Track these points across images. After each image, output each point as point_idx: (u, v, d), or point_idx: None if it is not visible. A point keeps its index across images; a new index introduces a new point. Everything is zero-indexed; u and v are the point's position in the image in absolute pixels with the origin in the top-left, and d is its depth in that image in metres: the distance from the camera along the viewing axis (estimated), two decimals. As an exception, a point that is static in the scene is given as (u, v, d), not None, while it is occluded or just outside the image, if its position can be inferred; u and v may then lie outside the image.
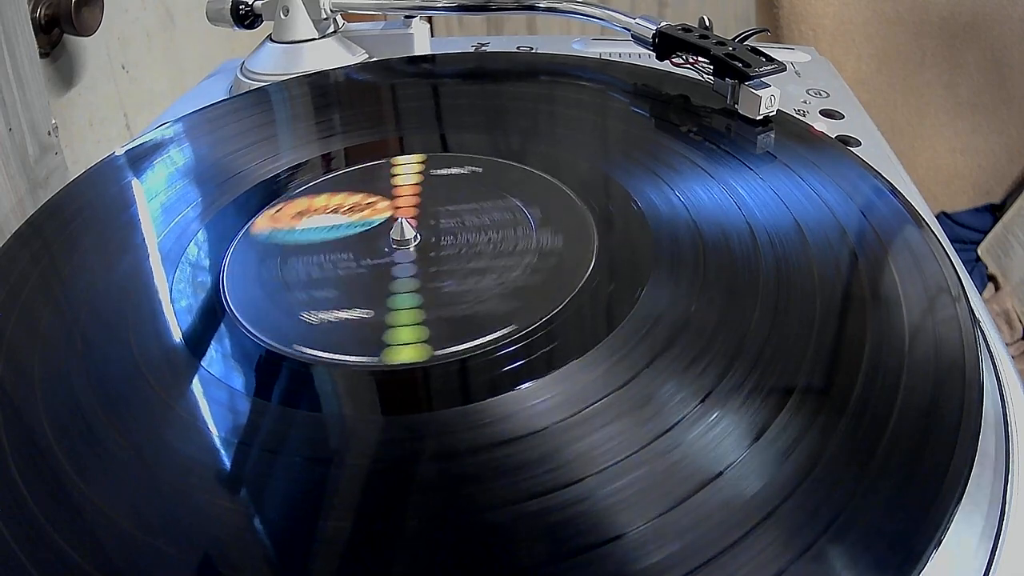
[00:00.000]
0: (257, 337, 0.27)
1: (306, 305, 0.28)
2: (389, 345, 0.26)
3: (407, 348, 0.26)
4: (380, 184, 0.34)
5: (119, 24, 0.65)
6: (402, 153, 0.37)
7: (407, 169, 0.36)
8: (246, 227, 0.32)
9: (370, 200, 0.33)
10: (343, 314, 0.27)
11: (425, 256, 0.30)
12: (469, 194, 0.33)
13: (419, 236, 0.31)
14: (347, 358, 0.25)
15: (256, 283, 0.29)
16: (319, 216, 0.33)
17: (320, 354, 0.26)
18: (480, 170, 0.35)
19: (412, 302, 0.28)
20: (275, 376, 0.25)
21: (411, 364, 0.25)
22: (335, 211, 0.33)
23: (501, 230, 0.31)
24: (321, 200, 0.34)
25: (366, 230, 0.32)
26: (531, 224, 0.31)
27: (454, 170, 0.35)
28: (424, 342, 0.26)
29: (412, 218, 0.32)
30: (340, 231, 0.32)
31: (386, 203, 0.33)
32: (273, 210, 0.33)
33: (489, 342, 0.25)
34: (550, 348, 0.25)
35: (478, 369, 0.25)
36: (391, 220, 0.32)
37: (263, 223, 0.32)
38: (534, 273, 0.28)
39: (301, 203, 0.34)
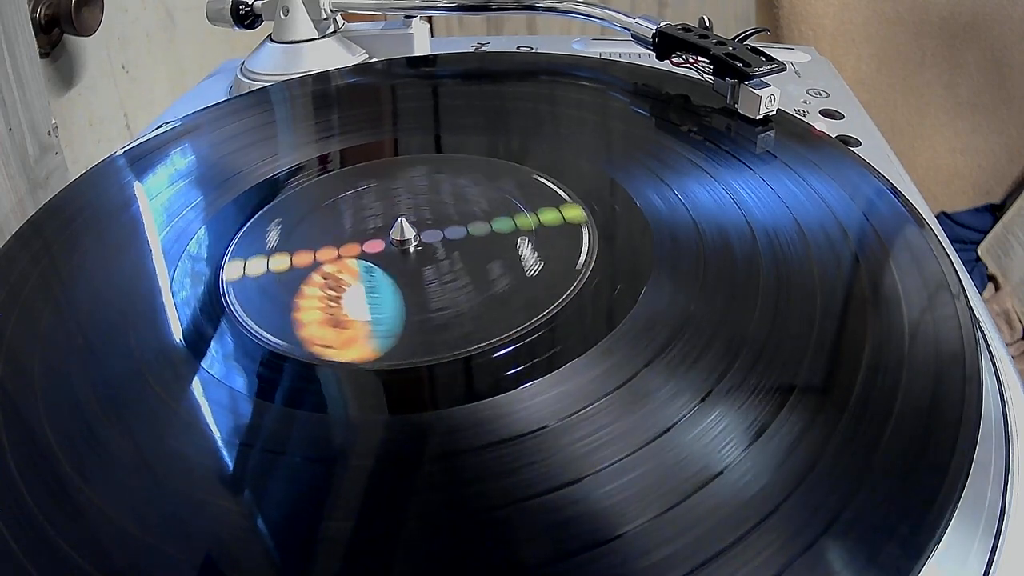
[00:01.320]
0: (258, 337, 0.27)
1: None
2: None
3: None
4: (378, 185, 0.34)
5: (119, 24, 0.65)
6: (402, 153, 0.38)
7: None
8: (245, 228, 0.32)
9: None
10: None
11: (424, 256, 0.30)
12: (469, 194, 0.33)
13: (418, 236, 0.31)
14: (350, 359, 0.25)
15: (257, 283, 0.29)
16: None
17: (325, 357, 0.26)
18: (479, 170, 0.35)
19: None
20: (275, 376, 0.25)
21: (413, 363, 0.25)
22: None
23: (501, 230, 0.31)
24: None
25: (366, 231, 0.32)
26: (531, 225, 0.31)
27: (453, 170, 0.35)
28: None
29: (411, 219, 0.31)
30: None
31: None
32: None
33: (489, 342, 0.25)
34: (550, 348, 0.25)
35: (478, 369, 0.25)
36: (388, 225, 0.31)
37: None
38: (534, 273, 0.28)
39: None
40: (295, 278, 0.29)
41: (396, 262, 0.30)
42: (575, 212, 0.31)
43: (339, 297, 0.28)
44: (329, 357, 0.25)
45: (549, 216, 0.31)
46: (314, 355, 0.26)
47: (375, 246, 0.31)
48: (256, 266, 0.30)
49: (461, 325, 0.26)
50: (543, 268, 0.29)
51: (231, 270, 0.30)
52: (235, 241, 0.32)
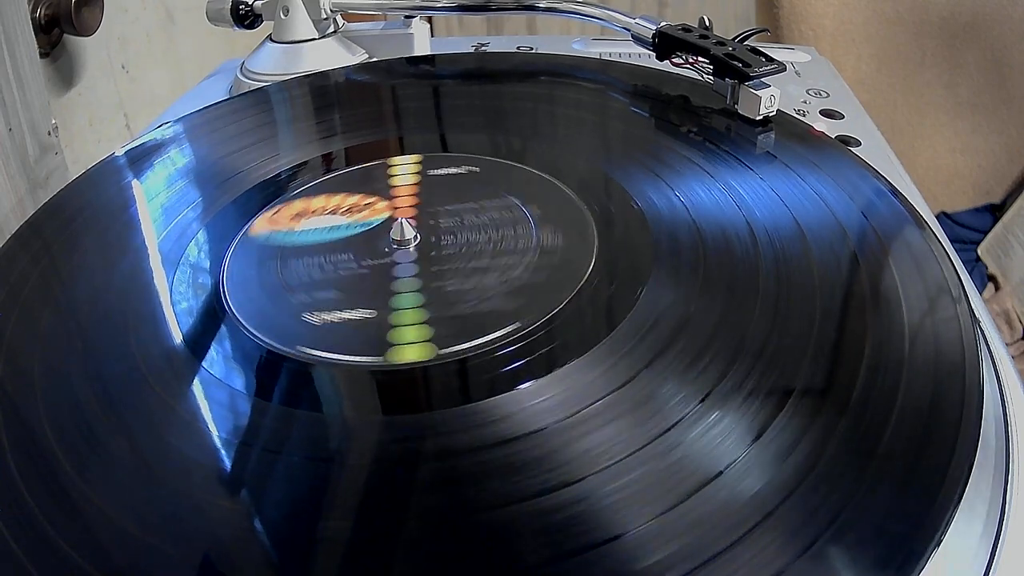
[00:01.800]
0: (257, 337, 0.27)
1: (308, 306, 0.28)
2: (393, 344, 0.26)
3: (411, 347, 0.26)
4: (378, 185, 0.34)
5: (119, 24, 0.65)
6: (402, 153, 0.37)
7: (405, 170, 0.36)
8: (244, 229, 0.32)
9: (368, 201, 0.33)
10: (345, 314, 0.27)
11: (425, 256, 0.30)
12: (468, 194, 0.33)
13: (419, 236, 0.31)
14: (351, 358, 0.25)
15: (256, 284, 0.29)
16: (317, 217, 0.33)
17: (324, 355, 0.26)
18: (479, 170, 0.35)
19: (414, 301, 0.28)
20: (275, 376, 0.25)
21: (413, 363, 0.25)
22: (333, 212, 0.33)
23: (501, 230, 0.31)
24: (318, 202, 0.34)
25: (365, 231, 0.32)
26: (531, 224, 0.31)
27: (453, 170, 0.35)
28: (428, 341, 0.26)
29: (412, 218, 0.32)
30: (339, 232, 0.32)
31: (384, 204, 0.33)
32: (271, 212, 0.33)
33: (489, 342, 0.25)
34: (550, 348, 0.25)
35: (478, 369, 0.25)
36: (390, 220, 0.32)
37: (261, 225, 0.32)
38: (534, 273, 0.28)
39: (298, 205, 0.34)
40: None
41: (397, 262, 0.30)
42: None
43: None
44: (355, 362, 0.25)
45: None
46: (318, 356, 0.26)
47: (375, 246, 0.31)
48: (256, 266, 0.30)
49: (463, 325, 0.26)
50: (543, 268, 0.29)
51: (231, 270, 0.30)
52: (235, 241, 0.31)
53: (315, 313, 0.28)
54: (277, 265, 0.30)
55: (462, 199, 0.33)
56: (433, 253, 0.30)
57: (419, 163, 0.36)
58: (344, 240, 0.31)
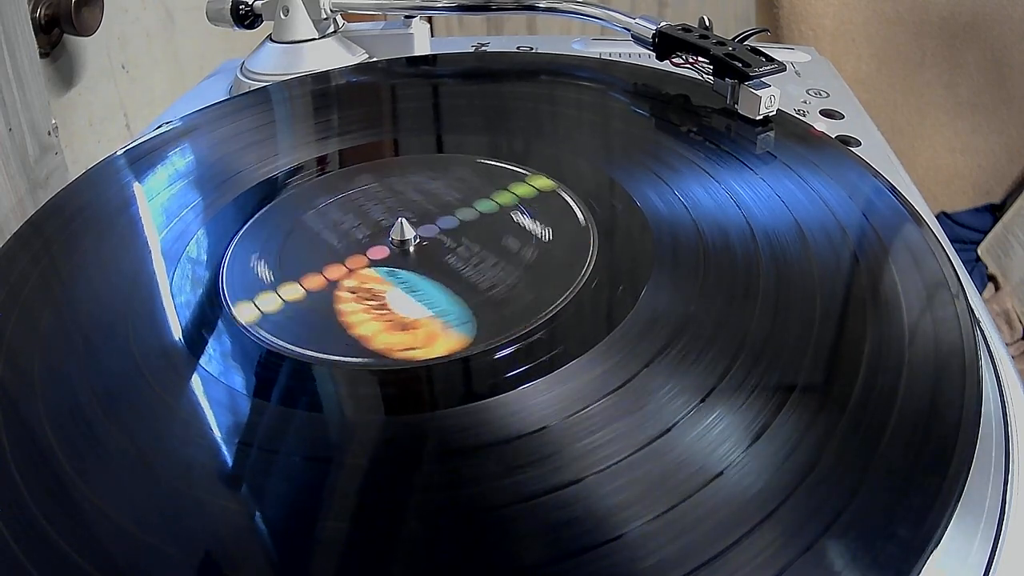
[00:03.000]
0: (256, 336, 0.27)
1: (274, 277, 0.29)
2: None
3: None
4: (381, 185, 0.34)
5: (119, 24, 0.65)
6: (398, 153, 0.38)
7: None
8: (245, 226, 0.32)
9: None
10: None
11: (424, 256, 0.30)
12: (468, 194, 0.33)
13: (418, 236, 0.31)
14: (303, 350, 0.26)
15: (256, 280, 0.29)
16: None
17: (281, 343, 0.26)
18: (478, 170, 0.35)
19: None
20: (275, 375, 0.25)
21: (408, 363, 0.25)
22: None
23: (500, 229, 0.31)
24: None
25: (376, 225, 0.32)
26: (531, 224, 0.31)
27: (453, 170, 0.35)
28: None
29: (413, 217, 0.31)
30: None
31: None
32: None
33: (489, 342, 0.25)
34: (550, 348, 0.25)
35: (478, 369, 0.25)
36: (392, 220, 0.31)
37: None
38: (534, 273, 0.28)
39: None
40: (320, 300, 0.28)
41: (406, 260, 0.30)
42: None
43: (384, 304, 0.28)
44: (419, 358, 0.25)
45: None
46: (403, 360, 0.25)
47: (379, 252, 0.30)
48: (269, 302, 0.29)
49: (520, 298, 0.27)
50: (543, 268, 0.29)
51: (242, 312, 0.28)
52: (235, 240, 0.31)
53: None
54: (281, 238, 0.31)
55: (462, 199, 0.33)
56: (431, 253, 0.30)
57: (420, 162, 0.36)
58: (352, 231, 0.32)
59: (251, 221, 0.33)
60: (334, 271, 0.30)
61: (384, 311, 0.27)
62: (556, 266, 0.28)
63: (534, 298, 0.27)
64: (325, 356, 0.26)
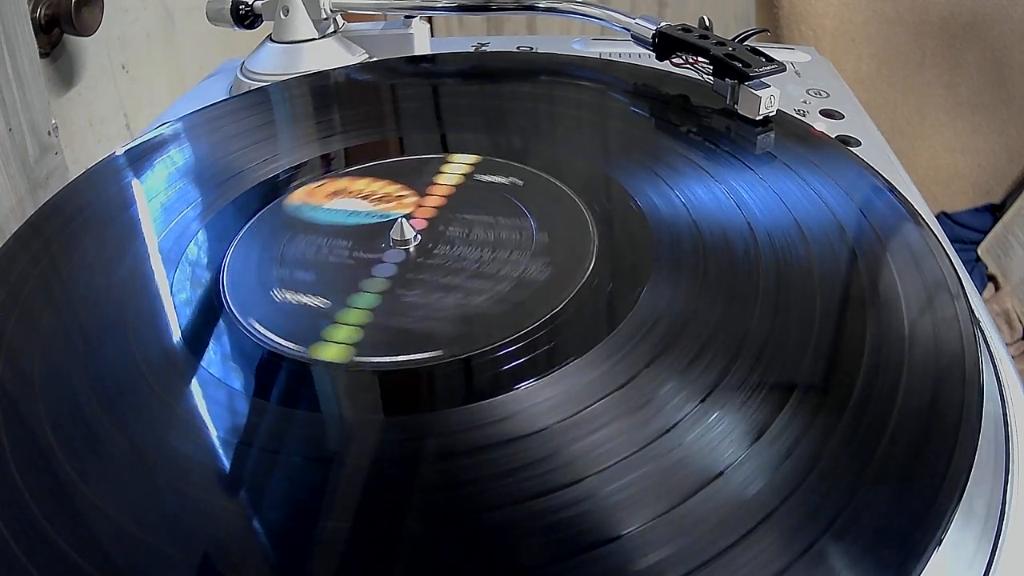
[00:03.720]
0: (257, 336, 0.27)
1: (281, 283, 0.29)
2: (322, 340, 0.26)
3: (335, 347, 0.26)
4: (423, 179, 0.35)
5: (119, 24, 0.65)
6: (400, 154, 0.38)
7: (407, 172, 0.36)
8: (281, 199, 0.33)
9: (402, 194, 0.34)
10: (304, 299, 0.28)
11: (421, 253, 0.30)
12: (467, 194, 0.33)
13: (420, 236, 0.31)
14: (279, 341, 0.26)
15: (256, 281, 0.29)
16: (349, 199, 0.34)
17: (262, 332, 0.27)
18: (478, 169, 0.35)
19: (371, 301, 0.28)
20: (275, 375, 0.25)
21: (406, 364, 0.25)
22: (366, 197, 0.34)
23: (500, 229, 0.31)
24: (360, 184, 0.35)
25: (379, 222, 0.32)
26: (531, 223, 0.31)
27: (454, 171, 0.35)
28: (353, 344, 0.26)
29: (421, 217, 0.31)
30: (357, 218, 0.32)
31: (413, 199, 0.33)
32: (315, 184, 0.35)
33: (489, 342, 0.25)
34: (550, 348, 0.25)
35: (479, 369, 0.25)
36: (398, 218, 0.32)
37: (300, 196, 0.34)
38: (534, 273, 0.28)
39: (342, 183, 0.35)
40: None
41: (397, 262, 0.30)
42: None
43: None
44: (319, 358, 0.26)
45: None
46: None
47: (376, 241, 0.31)
48: (256, 262, 0.30)
49: (464, 325, 0.26)
50: (542, 268, 0.29)
51: (231, 269, 0.30)
52: (238, 238, 0.31)
53: (283, 291, 0.28)
54: (280, 240, 0.31)
55: (461, 199, 0.33)
56: (429, 251, 0.30)
57: (460, 163, 0.36)
58: (354, 228, 0.32)
59: (257, 216, 0.33)
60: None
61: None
62: (522, 300, 0.27)
63: (475, 330, 0.26)
64: (257, 331, 0.27)
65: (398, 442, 0.23)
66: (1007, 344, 0.43)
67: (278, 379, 0.25)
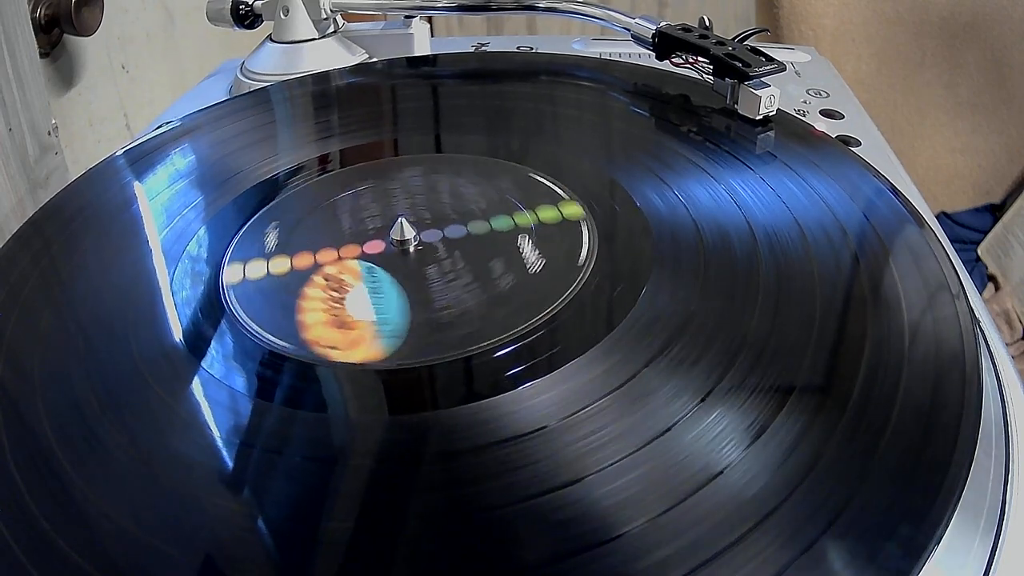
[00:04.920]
0: (258, 337, 0.27)
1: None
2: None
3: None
4: (382, 183, 0.34)
5: (119, 24, 0.65)
6: (397, 153, 0.38)
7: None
8: (247, 224, 0.33)
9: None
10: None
11: (426, 255, 0.30)
12: (467, 193, 0.33)
13: (419, 236, 0.31)
14: (280, 341, 0.26)
15: (256, 281, 0.29)
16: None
17: (263, 332, 0.27)
18: (476, 169, 0.35)
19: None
20: (275, 376, 0.25)
21: (406, 364, 0.25)
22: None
23: (500, 229, 0.31)
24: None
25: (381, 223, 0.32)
26: (531, 223, 0.31)
27: (453, 169, 0.35)
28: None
29: (412, 219, 0.31)
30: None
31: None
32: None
33: (489, 342, 0.25)
34: (550, 348, 0.25)
35: (479, 369, 0.25)
36: (391, 220, 0.32)
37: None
38: (534, 273, 0.28)
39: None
40: (296, 280, 0.29)
41: (397, 262, 0.30)
42: (573, 209, 0.31)
43: (343, 298, 0.28)
44: (335, 359, 0.25)
45: (548, 214, 0.31)
46: (320, 357, 0.26)
47: (375, 247, 0.31)
48: (256, 269, 0.30)
49: (464, 324, 0.26)
50: (544, 266, 0.29)
51: (231, 273, 0.30)
52: (234, 242, 0.32)
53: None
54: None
55: (460, 198, 0.33)
56: (433, 253, 0.30)
57: (417, 163, 0.36)
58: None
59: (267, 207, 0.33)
60: (325, 255, 0.30)
61: (338, 305, 0.28)
62: (522, 300, 0.27)
63: (475, 330, 0.26)
64: (257, 331, 0.27)
65: (398, 442, 0.23)
66: (1007, 344, 0.43)
67: (279, 378, 0.25)
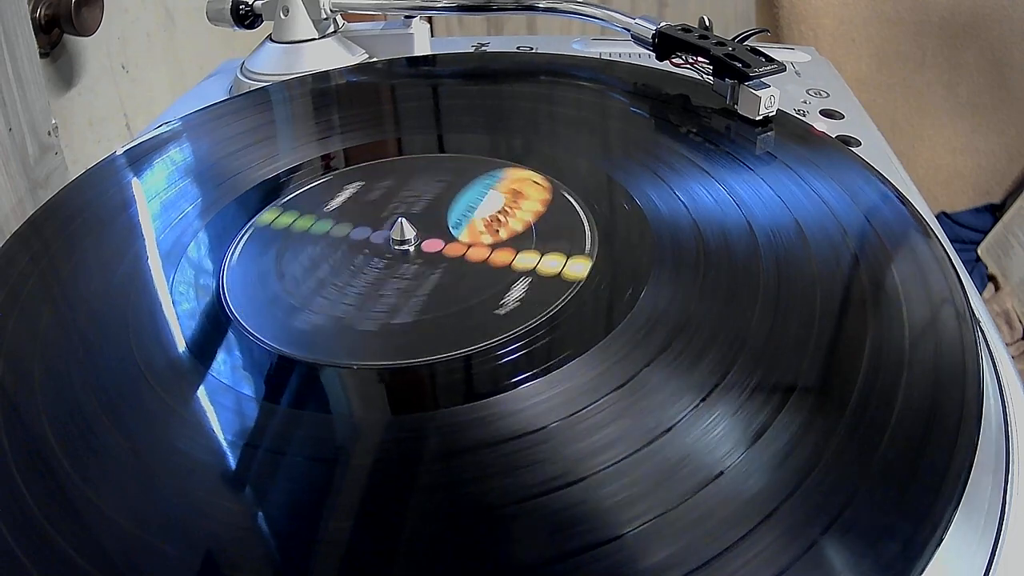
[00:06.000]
0: (257, 338, 0.27)
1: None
2: None
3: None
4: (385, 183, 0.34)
5: (119, 24, 0.65)
6: (400, 153, 0.38)
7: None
8: (249, 223, 0.33)
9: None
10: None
11: (419, 256, 0.30)
12: (467, 194, 0.33)
13: (418, 236, 0.31)
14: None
15: (256, 282, 0.29)
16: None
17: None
18: (478, 170, 0.35)
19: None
20: (275, 375, 0.25)
21: (411, 363, 0.25)
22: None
23: (500, 230, 0.31)
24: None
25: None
26: (531, 224, 0.31)
27: (453, 170, 0.35)
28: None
29: (413, 217, 0.31)
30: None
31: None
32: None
33: (489, 342, 0.25)
34: (550, 348, 0.25)
35: (479, 368, 0.25)
36: (388, 220, 0.32)
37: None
38: (534, 272, 0.28)
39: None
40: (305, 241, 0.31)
41: (391, 260, 0.30)
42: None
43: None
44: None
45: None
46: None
47: (379, 237, 0.31)
48: (256, 263, 0.30)
49: (459, 326, 0.26)
50: (543, 268, 0.29)
51: (232, 269, 0.30)
52: (236, 240, 0.31)
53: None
54: (274, 257, 0.31)
55: (460, 200, 0.33)
56: (429, 253, 0.30)
57: (416, 160, 0.36)
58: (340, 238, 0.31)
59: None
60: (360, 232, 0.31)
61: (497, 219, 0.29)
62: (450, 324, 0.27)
63: (473, 328, 0.26)
64: (257, 332, 0.27)
65: (399, 441, 0.23)
66: (1007, 344, 0.43)
67: (279, 379, 0.25)
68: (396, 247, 0.30)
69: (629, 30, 0.42)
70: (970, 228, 0.84)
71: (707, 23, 0.40)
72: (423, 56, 0.50)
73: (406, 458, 0.22)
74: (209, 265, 0.30)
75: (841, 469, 0.20)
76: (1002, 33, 0.78)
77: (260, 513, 0.21)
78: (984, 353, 0.24)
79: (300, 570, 0.20)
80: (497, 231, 0.31)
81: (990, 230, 0.83)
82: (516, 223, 0.31)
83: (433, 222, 0.32)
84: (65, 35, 0.57)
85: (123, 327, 0.28)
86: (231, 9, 0.50)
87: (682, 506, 0.20)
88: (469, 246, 0.30)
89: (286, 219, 0.33)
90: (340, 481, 0.22)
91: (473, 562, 0.19)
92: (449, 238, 0.31)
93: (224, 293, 0.29)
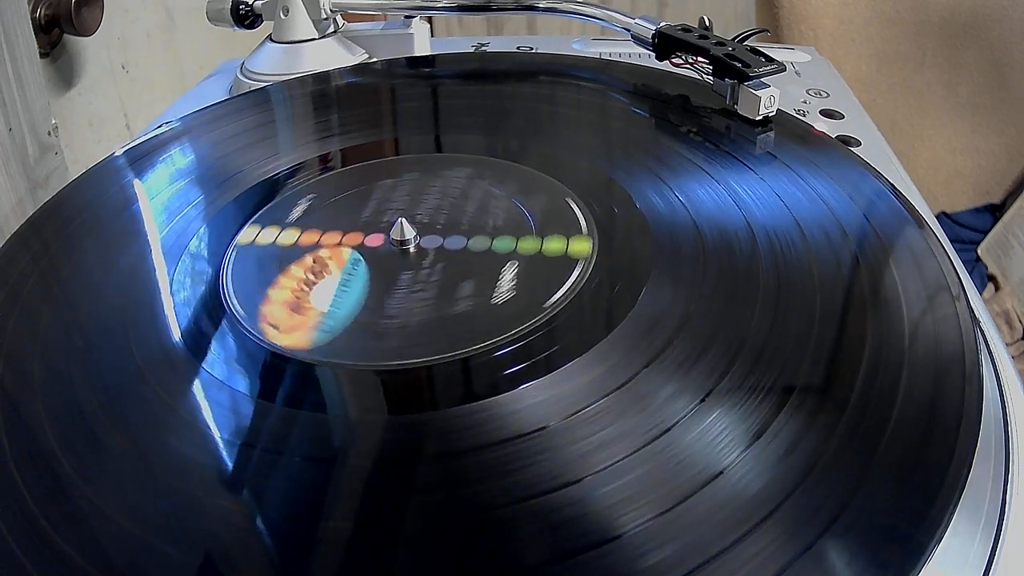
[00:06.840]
0: (257, 337, 0.27)
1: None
2: None
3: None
4: (380, 184, 0.34)
5: (119, 24, 0.65)
6: (398, 153, 0.38)
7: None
8: (249, 222, 0.32)
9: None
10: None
11: (420, 257, 0.30)
12: (468, 194, 0.33)
13: (418, 237, 0.31)
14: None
15: (256, 281, 0.29)
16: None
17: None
18: (479, 170, 0.35)
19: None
20: (275, 375, 0.25)
21: (411, 363, 0.25)
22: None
23: (500, 230, 0.31)
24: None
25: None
26: (531, 224, 0.31)
27: (454, 170, 0.35)
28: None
29: (412, 217, 0.31)
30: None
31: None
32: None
33: (489, 342, 0.25)
34: (550, 348, 0.25)
35: (478, 369, 0.25)
36: (388, 223, 0.31)
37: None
38: (534, 273, 0.28)
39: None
40: (291, 255, 0.30)
41: (388, 260, 0.30)
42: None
43: (314, 283, 0.29)
44: (269, 338, 0.26)
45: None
46: (258, 332, 0.27)
47: (375, 240, 0.31)
48: (265, 236, 0.31)
49: (459, 326, 0.26)
50: (543, 268, 0.29)
51: (232, 269, 0.30)
52: (236, 240, 0.31)
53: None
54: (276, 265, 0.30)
55: (459, 199, 0.33)
56: (422, 258, 0.30)
57: (417, 164, 0.36)
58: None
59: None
60: (330, 238, 0.31)
61: (305, 289, 0.28)
62: (463, 326, 0.26)
63: (397, 345, 0.26)
64: (257, 332, 0.27)
65: (398, 442, 0.23)
66: (1007, 344, 0.43)
67: (278, 378, 0.25)
68: (396, 247, 0.30)
69: (629, 30, 0.42)
70: (970, 228, 0.84)
71: (707, 23, 0.40)
72: (423, 56, 0.50)
73: (405, 459, 0.22)
74: (209, 265, 0.30)
75: (841, 469, 0.20)
76: (1002, 33, 0.78)
77: (260, 513, 0.21)
78: (984, 353, 0.24)
79: (300, 570, 0.20)
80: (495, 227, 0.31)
81: (990, 230, 0.83)
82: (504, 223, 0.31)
83: (433, 221, 0.32)
84: (65, 35, 0.57)
85: (123, 326, 0.28)
86: (231, 9, 0.50)
87: (682, 506, 0.20)
88: (468, 242, 0.30)
89: (285, 222, 0.33)
90: (340, 482, 0.22)
91: (473, 562, 0.19)
92: (450, 235, 0.31)
93: (225, 292, 0.29)
